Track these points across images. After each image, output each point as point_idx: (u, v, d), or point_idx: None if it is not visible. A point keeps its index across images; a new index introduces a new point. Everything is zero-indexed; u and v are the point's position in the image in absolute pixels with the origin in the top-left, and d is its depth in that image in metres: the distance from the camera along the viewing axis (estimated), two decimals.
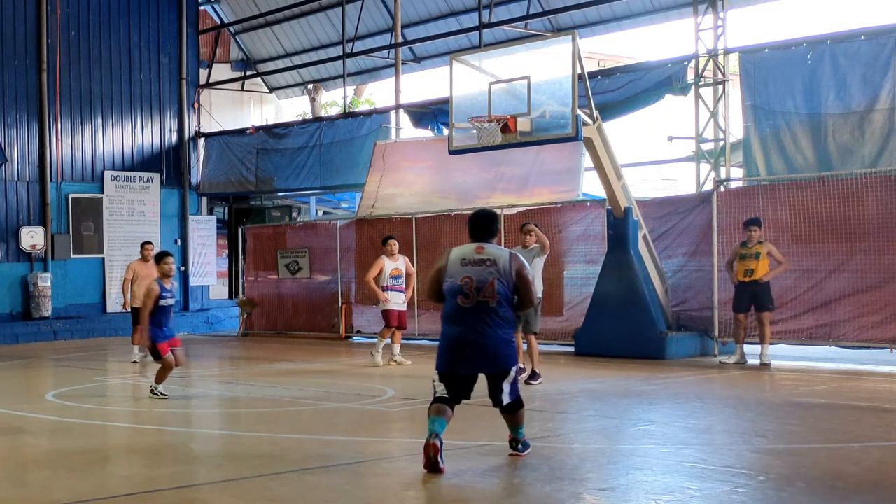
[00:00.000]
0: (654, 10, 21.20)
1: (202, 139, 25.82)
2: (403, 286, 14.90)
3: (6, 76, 22.30)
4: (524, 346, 12.20)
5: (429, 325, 18.81)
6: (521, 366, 12.19)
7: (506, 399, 7.43)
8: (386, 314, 14.82)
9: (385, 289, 14.71)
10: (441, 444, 7.11)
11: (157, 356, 11.54)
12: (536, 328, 12.35)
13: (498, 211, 17.47)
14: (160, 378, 11.59)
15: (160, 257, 12.08)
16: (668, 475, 7.06)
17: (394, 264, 14.81)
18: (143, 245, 16.60)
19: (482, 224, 7.57)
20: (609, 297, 15.26)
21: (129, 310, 16.09)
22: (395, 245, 14.92)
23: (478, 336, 7.32)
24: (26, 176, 22.59)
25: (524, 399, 7.63)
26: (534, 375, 12.14)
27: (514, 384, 7.47)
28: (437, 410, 7.31)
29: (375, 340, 15.45)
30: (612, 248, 15.35)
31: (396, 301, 14.78)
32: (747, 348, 14.28)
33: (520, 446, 7.66)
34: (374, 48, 24.56)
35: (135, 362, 15.77)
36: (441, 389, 7.43)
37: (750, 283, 13.93)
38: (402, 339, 15.43)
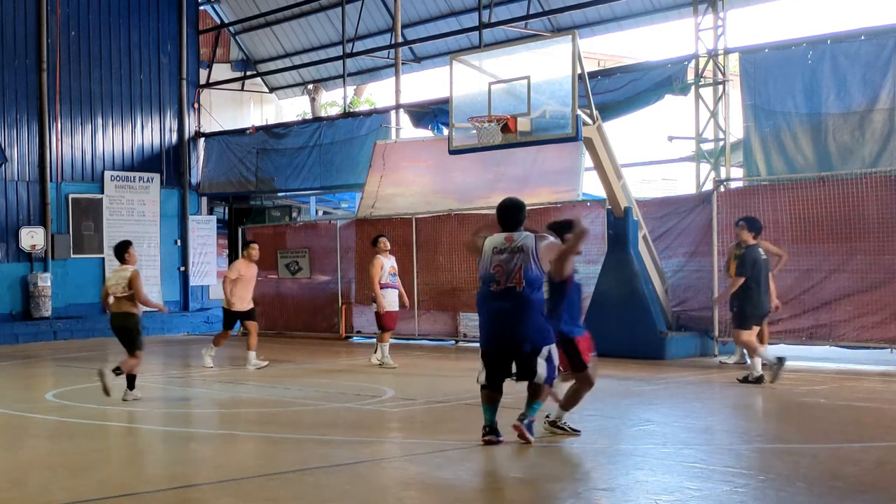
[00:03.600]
0: (654, 10, 21.19)
1: (202, 139, 25.82)
2: (398, 283, 14.91)
3: (6, 76, 22.30)
4: None
5: (428, 325, 18.82)
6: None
7: (542, 373, 7.93)
8: (387, 317, 14.72)
9: (385, 287, 14.67)
10: (495, 430, 8.02)
11: (581, 366, 8.36)
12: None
13: None
14: (573, 401, 8.47)
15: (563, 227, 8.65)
16: (668, 475, 7.06)
17: (389, 262, 14.78)
18: (249, 244, 15.58)
19: (509, 214, 8.20)
20: (609, 297, 15.25)
21: (226, 310, 15.29)
22: (387, 242, 14.94)
23: (507, 317, 7.93)
24: (26, 176, 22.59)
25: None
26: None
27: (549, 362, 7.95)
28: (487, 398, 8.14)
29: (377, 344, 15.08)
30: (612, 248, 15.34)
31: (392, 299, 14.74)
32: None
33: (526, 421, 7.95)
34: (374, 48, 24.56)
35: (209, 366, 14.94)
36: (482, 377, 8.11)
37: None
38: (403, 338, 15.36)
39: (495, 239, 8.17)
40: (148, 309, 11.96)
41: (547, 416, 8.52)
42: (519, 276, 7.92)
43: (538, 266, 7.98)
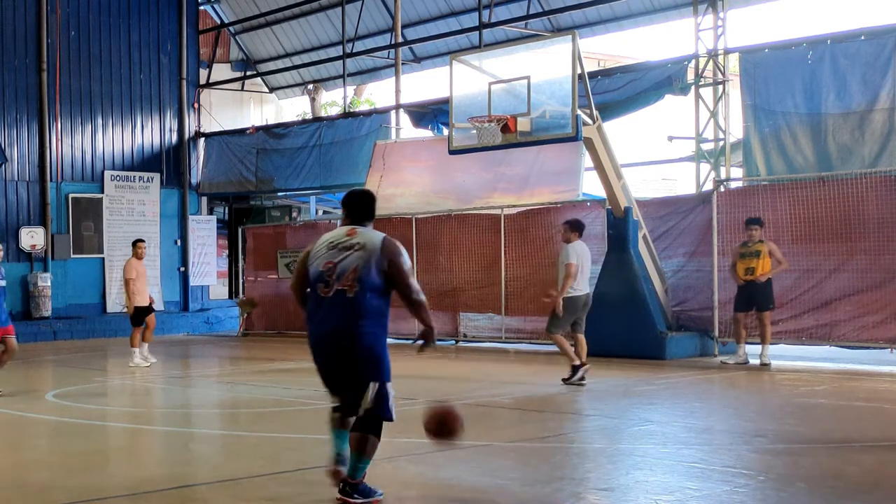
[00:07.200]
0: (654, 10, 21.19)
1: (202, 139, 25.82)
2: None
3: (6, 76, 22.30)
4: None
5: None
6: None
7: (364, 407, 6.13)
8: None
9: None
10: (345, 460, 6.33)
11: None
12: (553, 329, 12.23)
13: (497, 211, 17.68)
14: None
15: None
16: (668, 475, 7.06)
17: None
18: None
19: (357, 202, 6.55)
20: (609, 297, 15.24)
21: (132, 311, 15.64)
22: None
23: (334, 332, 6.18)
24: (26, 176, 22.59)
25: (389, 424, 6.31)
26: (577, 369, 12.01)
27: (382, 397, 6.15)
28: (336, 421, 6.45)
29: None
30: (612, 248, 15.34)
31: None
32: (747, 348, 14.27)
33: (348, 489, 6.11)
34: (374, 48, 24.56)
35: (131, 366, 15.22)
36: (331, 397, 6.50)
37: (750, 283, 13.92)
38: (403, 338, 15.36)
39: (335, 232, 6.53)
40: None
41: None
42: (352, 278, 6.19)
43: (378, 273, 6.21)
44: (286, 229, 22.77)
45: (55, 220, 22.80)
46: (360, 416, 6.19)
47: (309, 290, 6.45)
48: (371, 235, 6.35)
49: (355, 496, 6.13)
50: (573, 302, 12.06)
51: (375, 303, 6.21)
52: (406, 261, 6.35)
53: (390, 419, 6.21)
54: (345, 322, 6.16)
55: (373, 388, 6.13)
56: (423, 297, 6.34)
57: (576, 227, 12.30)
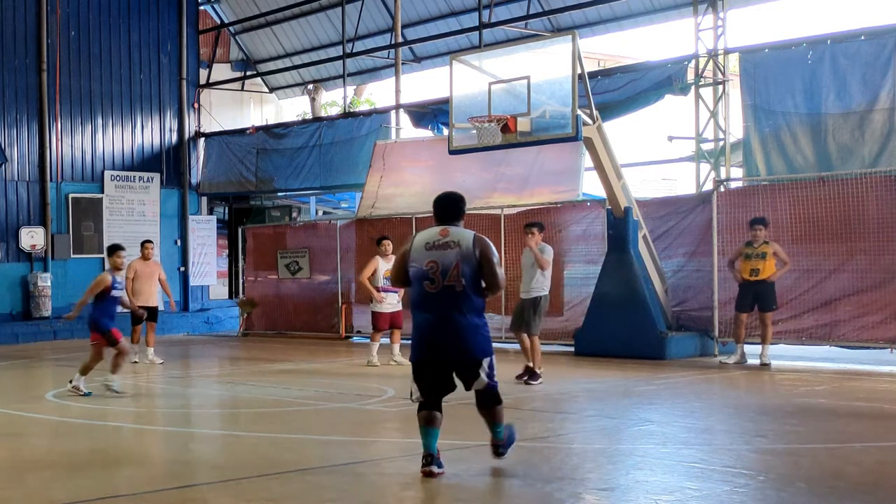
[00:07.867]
0: (654, 10, 21.19)
1: (202, 139, 25.82)
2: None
3: (6, 76, 22.29)
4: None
5: None
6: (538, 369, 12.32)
7: (480, 383, 7.08)
8: (376, 317, 14.83)
9: (379, 290, 14.69)
10: (437, 461, 6.97)
11: None
12: (534, 329, 12.35)
13: (498, 211, 17.68)
14: None
15: None
16: (668, 475, 7.06)
17: (388, 265, 14.77)
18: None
19: (447, 205, 7.34)
20: (609, 297, 15.26)
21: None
22: (389, 245, 14.92)
23: (446, 322, 7.00)
24: (26, 176, 22.59)
25: (504, 397, 7.36)
26: (533, 375, 12.16)
27: (490, 374, 7.10)
28: (427, 419, 7.08)
29: (391, 345, 15.20)
30: (612, 248, 15.34)
31: (391, 301, 14.77)
32: (747, 348, 14.27)
33: (501, 449, 7.31)
34: (374, 48, 24.56)
35: (135, 362, 15.53)
36: (416, 392, 7.14)
37: (755, 283, 13.90)
38: (402, 338, 15.38)
39: (428, 233, 7.27)
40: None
41: None
42: (457, 274, 7.05)
43: (474, 267, 7.06)
44: (286, 229, 22.77)
45: (55, 220, 22.79)
46: (478, 393, 7.14)
47: (412, 286, 7.20)
48: (463, 233, 7.14)
49: (502, 450, 7.30)
50: (545, 300, 12.44)
51: (478, 294, 7.09)
52: (495, 252, 7.17)
53: (496, 387, 7.17)
54: (456, 312, 6.99)
55: (486, 362, 7.08)
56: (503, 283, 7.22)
57: (543, 230, 12.91)
